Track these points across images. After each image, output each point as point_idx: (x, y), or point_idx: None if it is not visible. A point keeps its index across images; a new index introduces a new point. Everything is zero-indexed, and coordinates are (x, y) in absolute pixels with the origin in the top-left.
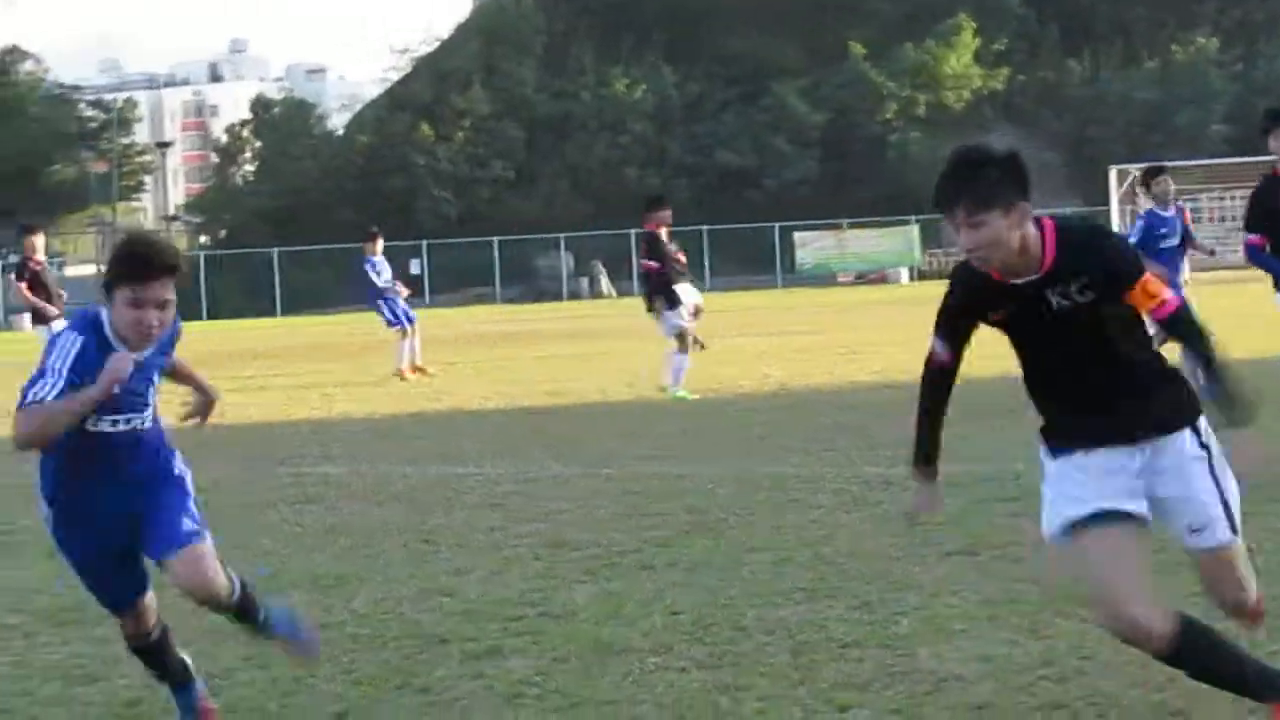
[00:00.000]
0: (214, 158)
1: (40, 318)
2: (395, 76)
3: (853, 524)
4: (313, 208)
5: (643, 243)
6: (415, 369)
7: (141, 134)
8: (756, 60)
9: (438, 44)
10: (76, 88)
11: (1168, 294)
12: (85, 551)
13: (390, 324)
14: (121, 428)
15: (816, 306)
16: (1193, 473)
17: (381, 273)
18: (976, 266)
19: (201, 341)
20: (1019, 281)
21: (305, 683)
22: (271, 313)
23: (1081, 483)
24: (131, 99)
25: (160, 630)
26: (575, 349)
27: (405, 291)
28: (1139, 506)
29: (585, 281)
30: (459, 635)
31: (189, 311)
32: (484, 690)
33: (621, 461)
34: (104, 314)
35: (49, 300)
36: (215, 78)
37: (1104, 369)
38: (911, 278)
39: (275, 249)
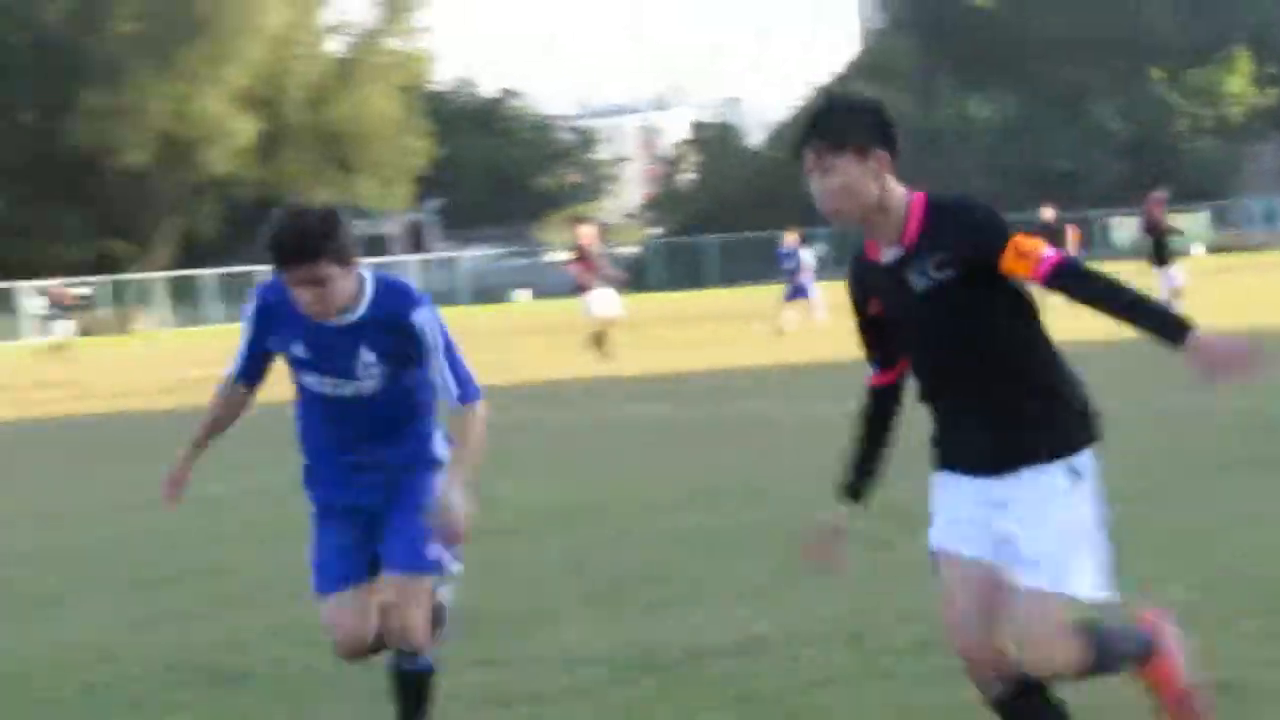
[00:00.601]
0: (662, 169)
1: (583, 288)
2: (802, 103)
3: None
4: (738, 207)
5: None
6: (781, 330)
7: (605, 152)
8: (1078, 86)
9: (834, 77)
10: (555, 118)
11: (1045, 250)
12: (318, 506)
13: (788, 297)
14: (328, 390)
15: (1128, 274)
16: (1048, 508)
17: (784, 262)
18: (835, 222)
19: (652, 310)
20: (887, 260)
21: (724, 569)
22: (706, 286)
23: (947, 505)
24: (596, 126)
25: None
26: None
27: (809, 271)
28: (982, 550)
29: None
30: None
31: (645, 286)
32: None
33: None
34: None
35: (592, 274)
36: (660, 107)
37: (977, 376)
38: (1208, 250)
39: (711, 238)
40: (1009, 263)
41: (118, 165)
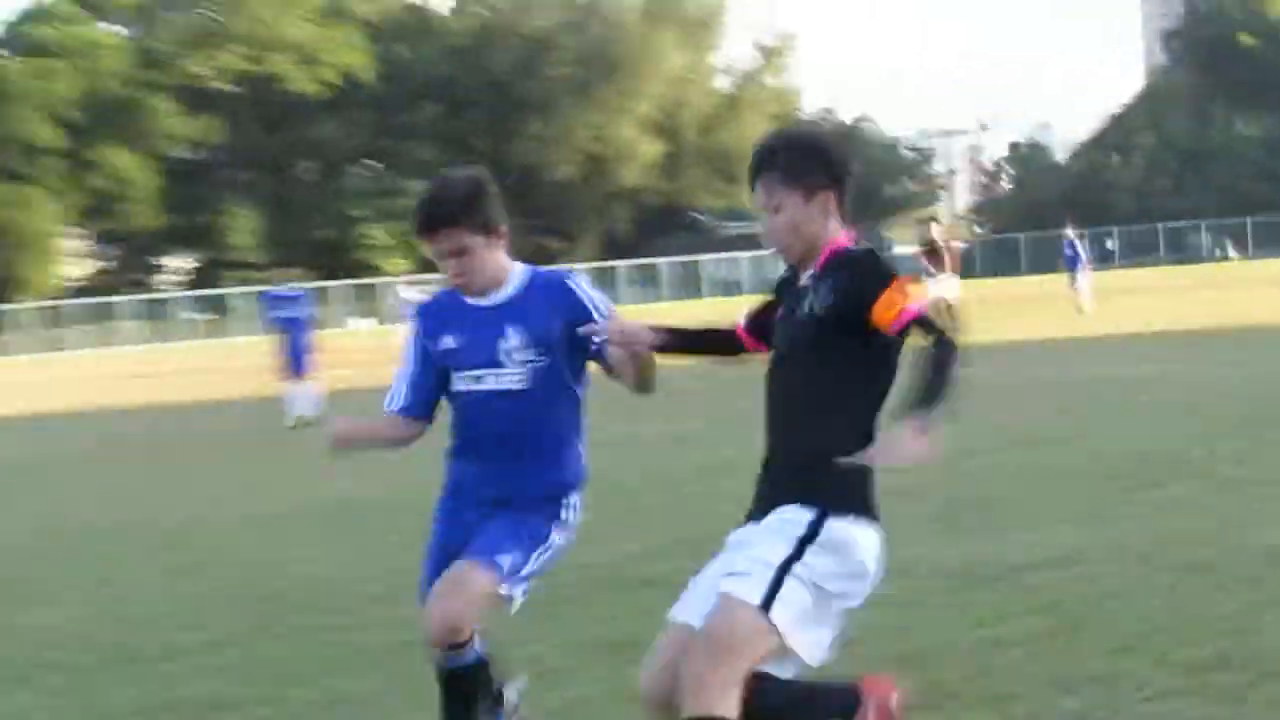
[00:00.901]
0: (985, 179)
1: (928, 274)
2: (1096, 125)
3: None
4: (1047, 210)
5: None
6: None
7: (938, 166)
8: None
9: (1125, 106)
10: (898, 139)
11: (912, 303)
12: (439, 528)
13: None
14: (477, 387)
15: None
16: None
17: (1068, 251)
18: (781, 258)
19: (978, 293)
20: (803, 280)
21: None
22: (1019, 274)
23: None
24: (931, 145)
25: (475, 659)
26: (1213, 295)
27: (1088, 267)
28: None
29: (1218, 250)
30: None
31: (971, 274)
32: None
33: None
34: None
35: (939, 264)
36: (984, 129)
37: (802, 416)
38: None
39: (1022, 235)
40: (879, 311)
41: (550, 179)
